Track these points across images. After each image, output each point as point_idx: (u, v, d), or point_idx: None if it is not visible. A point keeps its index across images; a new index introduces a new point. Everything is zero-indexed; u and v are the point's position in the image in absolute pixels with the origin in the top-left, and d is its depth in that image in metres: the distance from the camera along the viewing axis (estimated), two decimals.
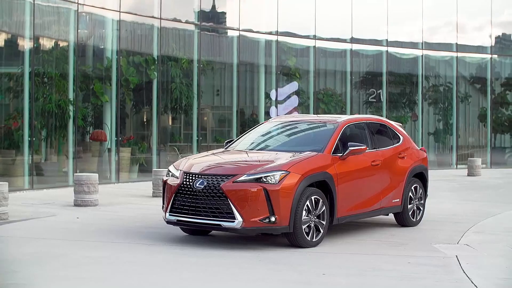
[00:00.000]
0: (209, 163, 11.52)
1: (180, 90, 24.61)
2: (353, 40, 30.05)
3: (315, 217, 11.13)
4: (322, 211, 11.25)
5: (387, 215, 13.50)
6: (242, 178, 10.75)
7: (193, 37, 25.34)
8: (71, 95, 21.06)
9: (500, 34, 34.37)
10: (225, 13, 27.48)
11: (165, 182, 11.60)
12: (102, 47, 23.14)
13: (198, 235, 12.05)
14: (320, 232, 11.26)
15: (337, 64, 30.87)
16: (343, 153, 11.83)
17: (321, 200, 11.22)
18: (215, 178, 10.85)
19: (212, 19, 26.85)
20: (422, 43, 31.95)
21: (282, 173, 10.77)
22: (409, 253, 10.93)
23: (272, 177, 10.72)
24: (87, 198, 16.01)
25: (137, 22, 23.73)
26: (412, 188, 13.60)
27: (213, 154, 12.42)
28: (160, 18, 23.83)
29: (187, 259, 10.10)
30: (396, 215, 13.54)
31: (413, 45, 32.10)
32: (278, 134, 12.94)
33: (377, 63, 31.54)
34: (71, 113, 20.88)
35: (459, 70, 33.11)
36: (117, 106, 22.66)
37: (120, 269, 9.42)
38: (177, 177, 11.33)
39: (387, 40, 30.94)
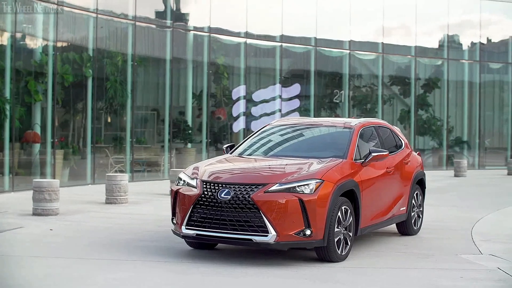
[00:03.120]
0: (231, 171, 10.46)
1: (114, 89, 23.22)
2: (283, 38, 29.35)
3: (344, 229, 10.29)
4: (350, 222, 10.43)
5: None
6: (274, 187, 9.75)
7: (128, 32, 23.97)
8: (7, 93, 19.39)
9: (423, 37, 34.48)
10: (160, 8, 26.15)
11: (176, 192, 10.44)
12: (37, 41, 21.47)
13: (203, 249, 10.95)
14: (348, 244, 10.42)
15: (267, 62, 30.10)
16: (365, 159, 11.05)
17: (349, 210, 10.39)
18: (243, 187, 9.79)
19: (148, 14, 25.48)
20: (349, 42, 31.59)
21: (317, 182, 9.85)
22: (446, 265, 10.22)
23: (307, 186, 9.79)
24: (48, 207, 14.62)
25: (73, 16, 22.18)
26: (414, 195, 12.97)
27: (226, 161, 11.25)
28: (97, 13, 22.37)
29: (227, 279, 9.02)
30: (399, 223, 12.85)
31: (340, 45, 31.71)
32: (289, 138, 11.95)
33: (306, 62, 30.93)
34: (7, 113, 19.21)
35: (384, 71, 33.00)
36: (53, 105, 21.07)
37: None
38: (193, 186, 10.20)
39: (315, 38, 30.39)
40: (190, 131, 27.24)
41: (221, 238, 9.90)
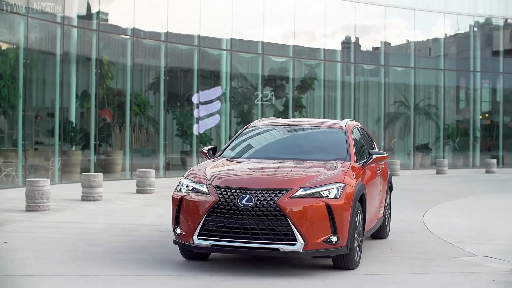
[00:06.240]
0: (245, 175, 9.67)
1: (8, 88, 21.62)
2: (168, 36, 28.49)
3: (357, 234, 9.85)
4: (361, 227, 10.01)
5: None
6: (299, 192, 9.13)
7: (20, 27, 22.37)
8: None
9: (301, 39, 34.66)
10: (52, 3, 24.59)
11: (181, 199, 9.57)
12: None
13: (197, 260, 10.14)
14: (360, 251, 10.00)
15: (153, 60, 29.17)
16: (366, 162, 10.65)
17: (361, 215, 9.98)
18: (266, 193, 9.09)
19: (41, 8, 23.88)
20: (231, 41, 31.14)
21: (340, 186, 9.34)
22: (461, 269, 10.08)
23: (331, 191, 9.25)
24: None
25: None
26: (386, 197, 12.75)
27: (229, 164, 10.42)
28: None
29: None
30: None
31: (221, 44, 31.21)
32: (281, 140, 11.32)
33: (190, 61, 30.18)
34: None
35: (264, 71, 32.84)
36: None
37: None
38: (205, 193, 9.37)
39: (199, 36, 29.73)
40: (76, 133, 25.87)
41: (242, 248, 9.17)
